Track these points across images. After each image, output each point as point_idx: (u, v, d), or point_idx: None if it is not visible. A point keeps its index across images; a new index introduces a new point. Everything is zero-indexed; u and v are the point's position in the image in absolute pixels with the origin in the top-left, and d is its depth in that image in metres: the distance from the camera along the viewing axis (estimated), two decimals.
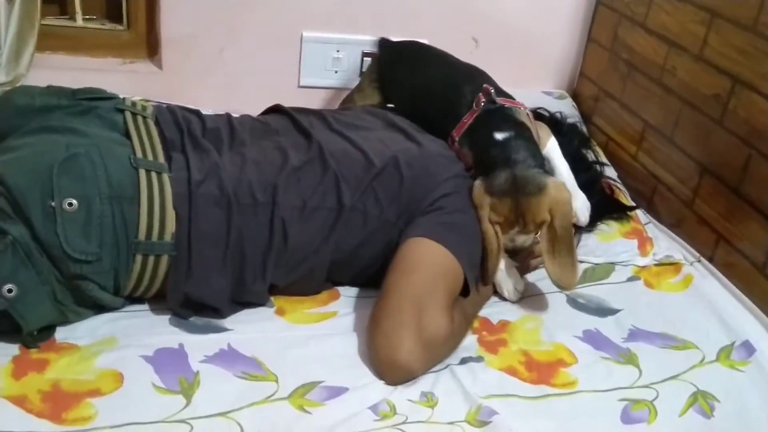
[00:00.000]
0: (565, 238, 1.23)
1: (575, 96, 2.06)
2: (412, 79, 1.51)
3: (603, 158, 1.74)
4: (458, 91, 1.38)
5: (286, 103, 1.45)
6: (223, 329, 1.15)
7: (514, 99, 1.38)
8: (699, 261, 1.49)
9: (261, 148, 1.25)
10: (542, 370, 1.16)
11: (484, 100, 1.34)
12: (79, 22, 1.84)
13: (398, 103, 1.53)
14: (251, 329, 1.16)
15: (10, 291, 0.99)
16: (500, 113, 1.33)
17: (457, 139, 1.34)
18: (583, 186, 1.37)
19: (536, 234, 1.27)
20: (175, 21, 1.80)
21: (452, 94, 1.39)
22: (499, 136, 1.28)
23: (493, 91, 1.34)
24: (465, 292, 1.19)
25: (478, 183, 1.26)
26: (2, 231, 0.99)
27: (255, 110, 1.47)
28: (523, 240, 1.29)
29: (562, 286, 1.29)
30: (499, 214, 1.23)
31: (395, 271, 1.15)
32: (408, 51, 1.60)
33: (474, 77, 1.42)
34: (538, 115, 1.54)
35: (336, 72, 1.93)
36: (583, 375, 1.16)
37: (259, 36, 1.85)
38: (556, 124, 1.55)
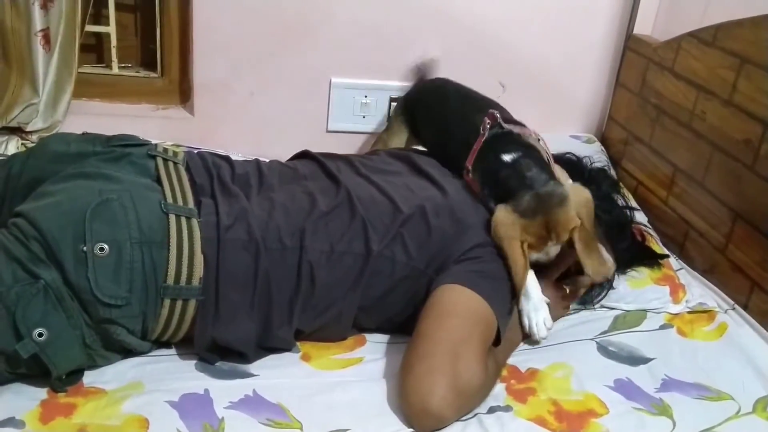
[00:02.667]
0: (592, 233, 1.26)
1: (604, 140, 2.05)
2: (434, 114, 1.53)
3: (633, 203, 1.72)
4: (470, 122, 1.39)
5: (315, 147, 1.46)
6: (249, 375, 1.15)
7: (525, 126, 1.39)
8: (733, 308, 1.45)
9: (289, 193, 1.26)
10: (572, 421, 1.13)
11: (489, 124, 1.35)
12: (115, 70, 1.90)
13: (425, 138, 1.55)
14: (277, 375, 1.15)
15: (40, 335, 1.00)
16: (507, 137, 1.34)
17: (470, 168, 1.34)
18: (613, 231, 1.36)
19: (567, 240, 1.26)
20: (207, 68, 1.84)
21: (466, 126, 1.40)
22: (507, 157, 1.29)
23: (498, 115, 1.35)
24: (495, 342, 1.17)
25: (502, 210, 1.25)
26: (35, 275, 1.01)
27: (284, 154, 1.49)
28: (555, 249, 1.28)
29: (600, 279, 1.31)
30: (532, 234, 1.23)
31: (429, 317, 1.14)
32: (431, 87, 1.63)
33: (485, 108, 1.42)
34: (567, 160, 1.54)
35: (364, 117, 1.96)
36: (615, 426, 1.13)
37: (288, 82, 1.89)
38: (583, 169, 1.54)
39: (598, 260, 1.26)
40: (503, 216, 1.24)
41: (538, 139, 1.39)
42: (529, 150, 1.32)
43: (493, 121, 1.35)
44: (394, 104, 1.95)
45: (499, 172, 1.29)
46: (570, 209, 1.23)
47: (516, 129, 1.37)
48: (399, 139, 1.61)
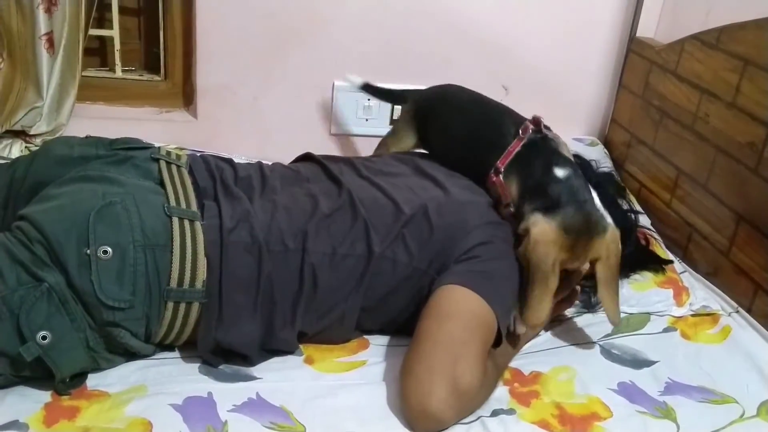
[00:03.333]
0: (616, 275, 1.28)
1: (607, 143, 2.05)
2: (450, 118, 1.52)
3: (637, 206, 1.72)
4: (502, 123, 1.38)
5: (318, 150, 1.47)
6: (252, 378, 1.15)
7: (556, 134, 1.39)
8: (737, 311, 1.45)
9: (292, 196, 1.26)
10: (576, 424, 1.13)
11: (532, 128, 1.34)
12: (119, 73, 1.90)
13: (436, 142, 1.53)
14: (280, 378, 1.15)
15: (44, 338, 1.00)
16: (548, 145, 1.33)
17: (502, 168, 1.32)
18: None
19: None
20: (210, 71, 1.85)
21: (496, 127, 1.39)
22: (560, 173, 1.27)
23: (542, 121, 1.35)
24: (496, 342, 1.17)
25: (545, 225, 1.22)
26: (39, 278, 1.01)
27: (287, 157, 1.49)
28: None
29: (612, 321, 1.31)
30: (566, 253, 1.22)
31: (429, 318, 1.14)
32: (443, 92, 1.61)
33: (506, 112, 1.44)
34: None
35: (367, 120, 1.96)
36: (619, 429, 1.13)
37: (291, 85, 1.89)
38: (590, 172, 1.53)
39: (613, 298, 1.28)
40: (546, 232, 1.21)
41: (566, 146, 1.39)
42: (575, 166, 1.31)
43: (537, 126, 1.35)
44: (397, 108, 1.95)
45: (550, 185, 1.26)
46: (604, 241, 1.24)
47: (551, 135, 1.36)
48: (405, 145, 1.60)
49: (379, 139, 1.83)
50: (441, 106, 1.56)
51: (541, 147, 1.33)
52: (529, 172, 1.30)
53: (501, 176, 1.32)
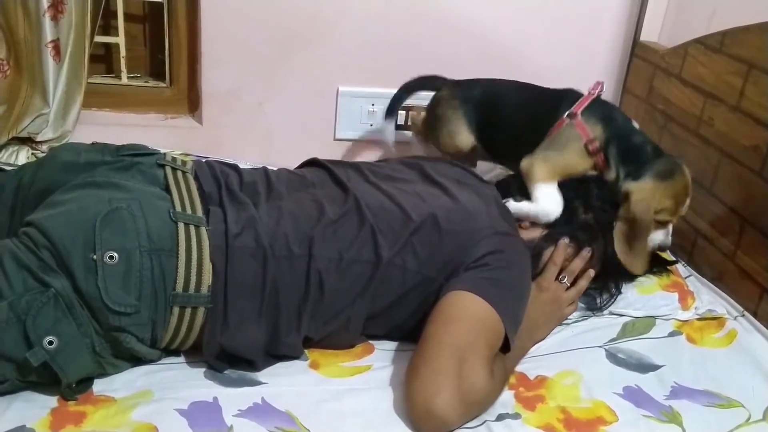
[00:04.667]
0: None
1: None
2: (509, 94, 1.60)
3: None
4: (554, 92, 1.52)
5: (322, 156, 1.47)
6: (257, 382, 1.15)
7: None
8: (743, 315, 1.45)
9: (297, 201, 1.27)
10: (581, 428, 1.13)
11: (600, 87, 1.47)
12: (124, 80, 1.92)
13: (499, 124, 1.59)
14: (285, 382, 1.15)
15: (50, 343, 1.01)
16: (610, 104, 1.50)
17: (578, 112, 1.43)
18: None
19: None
20: (215, 78, 1.86)
21: (558, 94, 1.51)
22: (636, 125, 1.44)
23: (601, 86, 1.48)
24: (505, 349, 1.17)
25: (642, 184, 1.37)
26: (45, 284, 1.02)
27: (292, 163, 1.50)
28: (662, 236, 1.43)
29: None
30: (676, 200, 1.38)
31: (435, 322, 1.14)
32: (483, 81, 1.67)
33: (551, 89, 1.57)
34: None
35: (371, 125, 1.96)
36: None
37: (296, 91, 1.90)
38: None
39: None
40: (647, 190, 1.36)
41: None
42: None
43: (599, 88, 1.47)
44: (401, 112, 1.96)
45: (633, 136, 1.42)
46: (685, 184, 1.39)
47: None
48: (459, 135, 1.62)
49: (383, 145, 1.85)
50: (493, 88, 1.63)
51: (609, 103, 1.48)
52: (610, 117, 1.43)
53: (579, 118, 1.43)
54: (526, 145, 1.47)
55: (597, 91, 1.46)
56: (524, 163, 1.43)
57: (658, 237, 1.42)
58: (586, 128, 1.42)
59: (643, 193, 1.36)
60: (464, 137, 1.61)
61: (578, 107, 1.44)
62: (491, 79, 1.67)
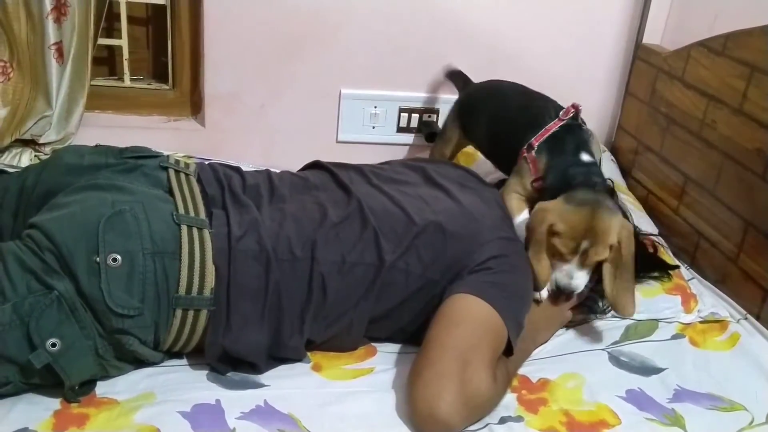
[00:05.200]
0: (628, 265, 1.30)
1: (614, 149, 2.05)
2: (490, 105, 1.61)
3: (643, 214, 1.73)
4: (543, 106, 1.46)
5: (325, 158, 1.47)
6: (260, 385, 1.15)
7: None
8: (746, 318, 1.44)
9: (300, 204, 1.27)
10: (584, 431, 1.13)
11: (573, 112, 1.40)
12: (127, 82, 1.92)
13: (477, 132, 1.63)
14: (288, 385, 1.15)
15: (54, 345, 1.01)
16: (582, 134, 1.40)
17: (535, 146, 1.39)
18: None
19: (599, 262, 1.29)
20: (217, 80, 1.86)
21: (536, 109, 1.46)
22: (585, 157, 1.35)
23: (580, 108, 1.41)
24: (508, 352, 1.17)
25: (552, 201, 1.29)
26: (49, 286, 1.02)
27: (294, 165, 1.50)
28: (583, 276, 1.30)
29: (619, 311, 1.33)
30: (568, 224, 1.25)
31: (438, 325, 1.14)
32: (484, 85, 1.71)
33: (547, 100, 1.51)
34: None
35: (373, 127, 1.97)
36: None
37: (298, 93, 1.90)
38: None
39: (620, 290, 1.30)
40: (552, 203, 1.29)
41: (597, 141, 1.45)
42: (596, 159, 1.39)
43: (576, 110, 1.41)
44: (404, 114, 1.96)
45: (572, 166, 1.34)
46: (615, 224, 1.27)
47: (585, 128, 1.43)
48: (450, 140, 1.71)
49: (386, 147, 1.85)
50: (484, 93, 1.67)
51: (576, 133, 1.40)
52: (559, 151, 1.37)
53: (534, 152, 1.38)
54: (503, 146, 1.50)
55: (566, 118, 1.40)
56: (500, 193, 1.43)
57: (557, 275, 1.29)
58: (536, 164, 1.38)
59: (544, 206, 1.30)
60: (452, 140, 1.71)
61: (537, 139, 1.39)
62: (490, 83, 1.70)
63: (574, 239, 1.26)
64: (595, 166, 1.36)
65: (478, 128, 1.63)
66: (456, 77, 1.83)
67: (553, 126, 1.40)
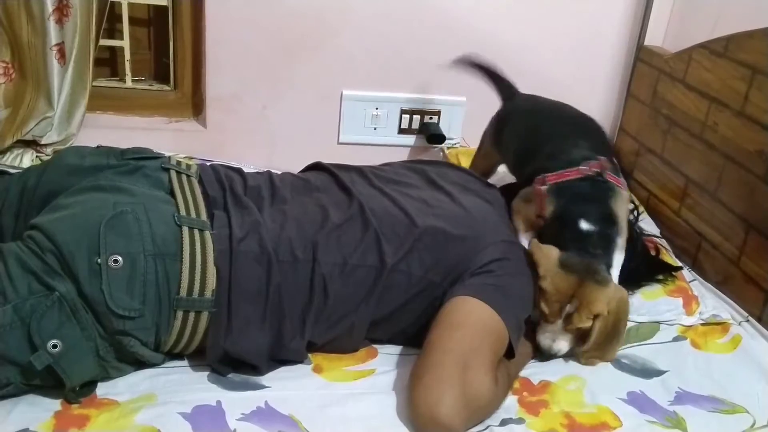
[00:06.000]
0: (619, 333, 1.27)
1: (615, 151, 2.04)
2: (526, 120, 1.55)
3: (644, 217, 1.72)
4: (573, 145, 1.37)
5: (326, 159, 1.47)
6: (261, 386, 1.15)
7: (619, 176, 1.35)
8: (747, 320, 1.44)
9: (302, 206, 1.27)
10: None
11: (596, 169, 1.31)
12: (129, 83, 1.92)
13: (508, 146, 1.56)
14: (288, 387, 1.15)
15: (55, 347, 1.01)
16: (601, 192, 1.30)
17: (548, 184, 1.32)
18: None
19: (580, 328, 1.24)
20: (219, 81, 1.86)
21: (564, 145, 1.38)
22: (585, 226, 1.26)
23: (609, 170, 1.32)
24: (509, 354, 1.17)
25: (553, 251, 1.23)
26: (50, 287, 1.02)
27: (296, 166, 1.50)
28: (564, 339, 1.26)
29: (581, 362, 1.30)
30: (557, 289, 1.21)
31: (439, 327, 1.14)
32: (528, 99, 1.65)
33: (591, 134, 1.44)
34: None
35: (375, 129, 1.97)
36: None
37: (300, 95, 1.90)
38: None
39: (603, 352, 1.28)
40: (547, 253, 1.23)
41: (627, 198, 1.35)
42: (608, 224, 1.28)
43: (601, 169, 1.31)
44: (405, 116, 1.96)
45: (569, 230, 1.26)
46: (604, 294, 1.22)
47: (612, 184, 1.31)
48: (489, 160, 1.65)
49: (387, 148, 1.85)
50: (522, 109, 1.60)
51: (593, 191, 1.30)
52: (565, 205, 1.29)
53: (545, 189, 1.31)
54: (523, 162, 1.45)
55: (586, 172, 1.31)
56: (512, 206, 1.40)
57: (540, 336, 1.27)
58: (543, 202, 1.31)
59: (538, 254, 1.24)
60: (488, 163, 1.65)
61: (551, 178, 1.31)
62: (532, 98, 1.65)
63: (558, 302, 1.22)
64: (596, 237, 1.25)
65: (509, 144, 1.56)
66: (502, 86, 1.71)
67: (571, 175, 1.31)
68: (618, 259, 1.29)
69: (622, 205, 1.33)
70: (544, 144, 1.43)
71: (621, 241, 1.30)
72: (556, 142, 1.42)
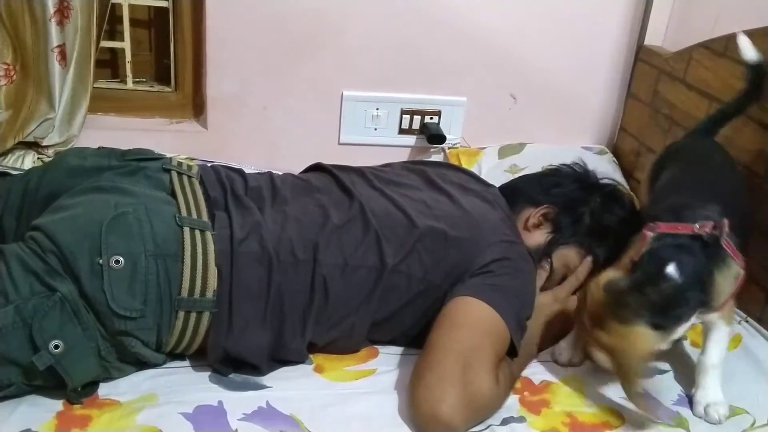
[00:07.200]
0: (623, 373, 1.14)
1: (616, 151, 2.05)
2: (674, 162, 1.43)
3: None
4: (701, 205, 1.21)
5: (327, 160, 1.47)
6: (262, 386, 1.15)
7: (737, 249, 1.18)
8: (747, 321, 1.44)
9: (302, 206, 1.27)
10: None
11: (709, 234, 1.14)
12: (130, 84, 1.92)
13: (657, 180, 1.43)
14: (290, 386, 1.15)
15: (56, 347, 1.01)
16: (705, 258, 1.13)
17: (656, 231, 1.17)
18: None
19: None
20: (220, 83, 1.86)
21: (692, 198, 1.25)
22: (671, 270, 1.11)
23: (726, 236, 1.15)
24: (512, 354, 1.18)
25: (610, 273, 1.16)
26: (51, 288, 1.02)
27: (297, 167, 1.50)
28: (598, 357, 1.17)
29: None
30: (589, 305, 1.15)
31: (440, 327, 1.14)
32: (688, 141, 1.51)
33: (709, 205, 1.21)
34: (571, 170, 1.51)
35: (375, 129, 1.97)
36: None
37: (300, 95, 1.90)
38: (589, 179, 1.51)
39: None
40: (603, 279, 1.15)
41: (738, 275, 1.19)
42: (695, 286, 1.12)
43: (720, 231, 1.14)
44: (405, 116, 1.97)
45: (650, 267, 1.13)
46: (626, 334, 1.10)
47: (728, 249, 1.15)
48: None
49: (388, 149, 1.85)
50: (675, 149, 1.49)
51: (697, 252, 1.13)
52: (665, 248, 1.14)
53: (651, 235, 1.17)
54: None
55: (701, 232, 1.14)
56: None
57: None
58: (643, 246, 1.16)
59: (599, 278, 1.16)
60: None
61: (664, 227, 1.16)
62: (694, 143, 1.50)
63: (590, 316, 1.15)
64: (673, 289, 1.10)
65: (658, 181, 1.42)
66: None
67: (684, 229, 1.15)
68: (681, 330, 1.16)
69: (727, 278, 1.16)
70: (671, 192, 1.33)
71: (703, 317, 1.17)
72: (684, 196, 1.28)
